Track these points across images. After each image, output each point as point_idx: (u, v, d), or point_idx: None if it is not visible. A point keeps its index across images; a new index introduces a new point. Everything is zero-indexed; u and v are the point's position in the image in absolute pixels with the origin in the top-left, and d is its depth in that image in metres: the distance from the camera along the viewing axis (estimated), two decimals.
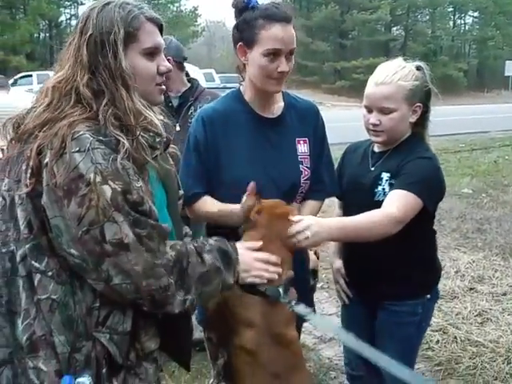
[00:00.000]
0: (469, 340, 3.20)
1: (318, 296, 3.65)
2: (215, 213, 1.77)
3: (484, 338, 3.19)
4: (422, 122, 1.89)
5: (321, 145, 1.91)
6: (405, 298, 1.92)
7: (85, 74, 1.24)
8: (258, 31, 1.67)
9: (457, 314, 3.52)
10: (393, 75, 1.77)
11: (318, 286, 3.75)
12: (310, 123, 1.91)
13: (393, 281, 1.88)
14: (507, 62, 35.41)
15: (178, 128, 2.70)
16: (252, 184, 1.60)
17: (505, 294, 3.85)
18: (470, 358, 3.01)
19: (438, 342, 3.19)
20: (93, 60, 1.25)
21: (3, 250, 1.25)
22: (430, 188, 1.78)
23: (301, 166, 1.84)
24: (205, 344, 2.07)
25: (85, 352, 1.22)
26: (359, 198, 1.89)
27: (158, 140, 1.30)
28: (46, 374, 1.21)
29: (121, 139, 1.20)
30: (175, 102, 2.89)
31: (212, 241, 1.40)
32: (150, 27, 1.31)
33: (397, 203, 1.69)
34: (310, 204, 1.89)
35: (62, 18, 35.30)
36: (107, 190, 1.15)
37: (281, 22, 1.67)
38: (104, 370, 1.24)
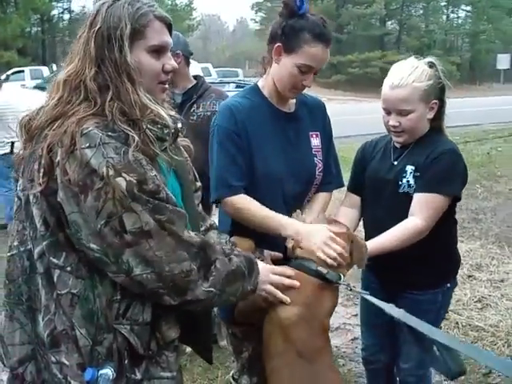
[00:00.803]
0: (470, 325, 3.30)
1: None
2: (259, 217, 1.76)
3: (484, 323, 3.30)
4: (438, 116, 1.94)
5: (329, 139, 2.01)
6: (427, 287, 1.99)
7: (92, 67, 1.25)
8: (302, 44, 1.74)
9: (457, 301, 3.61)
10: (407, 77, 1.82)
11: None
12: (320, 118, 2.00)
13: (416, 270, 1.93)
14: (499, 55, 35.69)
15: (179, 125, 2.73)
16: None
17: (502, 281, 3.96)
18: (471, 343, 3.10)
19: (440, 328, 3.26)
20: (99, 54, 1.26)
21: (21, 249, 1.28)
22: (457, 179, 1.89)
23: (315, 158, 1.94)
24: (225, 340, 2.09)
25: (106, 344, 1.23)
26: (384, 191, 1.95)
27: (166, 131, 1.29)
28: (69, 367, 1.22)
29: (129, 133, 1.20)
30: (178, 99, 2.84)
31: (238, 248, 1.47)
32: (158, 25, 1.31)
33: (424, 212, 1.82)
34: (322, 195, 1.98)
35: (55, 12, 35.08)
36: (122, 182, 1.15)
37: (324, 43, 1.75)
38: (126, 361, 1.25)
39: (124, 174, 1.16)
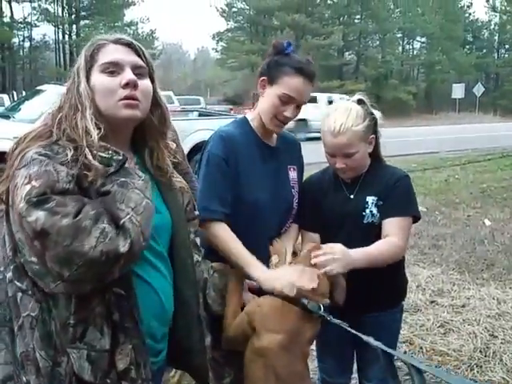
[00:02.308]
0: (434, 350, 3.39)
1: None
2: (231, 249, 1.82)
3: (448, 348, 3.39)
4: (375, 146, 2.06)
5: (302, 174, 2.14)
6: (387, 307, 2.09)
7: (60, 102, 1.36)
8: (284, 75, 1.88)
9: (421, 326, 3.71)
10: (346, 122, 1.92)
11: None
12: (296, 154, 2.16)
13: (377, 290, 2.00)
14: (454, 85, 37.04)
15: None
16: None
17: (463, 306, 4.07)
18: (436, 367, 3.18)
19: (405, 352, 3.34)
20: (67, 90, 1.37)
21: (1, 276, 1.32)
22: (415, 200, 2.06)
23: (293, 190, 2.06)
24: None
25: (64, 366, 1.25)
26: (345, 226, 2.01)
27: (114, 158, 1.26)
28: None
29: (67, 151, 1.23)
30: None
31: None
32: (111, 47, 1.38)
33: (399, 233, 1.93)
34: (296, 226, 2.11)
35: (15, 40, 34.69)
36: (26, 188, 1.14)
37: (305, 77, 1.88)
38: None
39: (33, 181, 1.16)
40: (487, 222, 6.87)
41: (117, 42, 1.39)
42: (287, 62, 1.90)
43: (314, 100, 16.31)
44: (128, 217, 1.18)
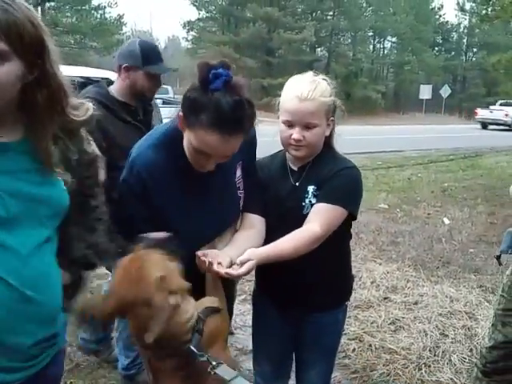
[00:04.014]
0: (383, 348, 3.33)
1: (240, 308, 3.65)
2: None
3: (397, 346, 3.33)
4: (330, 132, 1.92)
5: (253, 167, 1.92)
6: (329, 308, 1.97)
7: None
8: (198, 126, 1.50)
9: (372, 323, 3.65)
10: (314, 91, 1.78)
11: (241, 298, 3.76)
12: (246, 146, 1.80)
13: (319, 291, 1.88)
14: (422, 85, 37.57)
15: None
16: None
17: (416, 303, 4.04)
18: (383, 365, 3.12)
19: (354, 350, 3.28)
20: None
21: None
22: (356, 195, 1.89)
23: (239, 191, 1.84)
24: None
25: None
26: (288, 216, 1.87)
27: None
28: None
29: None
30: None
31: None
32: None
33: (320, 219, 1.77)
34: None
35: None
36: None
37: (224, 133, 1.49)
38: None
39: None
40: (446, 221, 6.94)
41: None
42: (205, 108, 1.47)
43: None
44: None
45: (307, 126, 1.80)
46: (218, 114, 1.46)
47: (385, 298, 4.12)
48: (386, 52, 48.97)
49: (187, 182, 1.68)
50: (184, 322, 1.42)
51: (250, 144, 1.86)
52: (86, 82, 9.39)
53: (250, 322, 3.77)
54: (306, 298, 1.86)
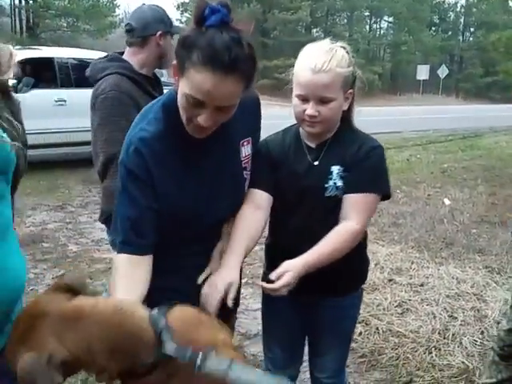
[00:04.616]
0: (390, 331, 3.24)
1: (243, 292, 3.55)
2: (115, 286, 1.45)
3: (405, 329, 3.25)
4: (350, 106, 1.76)
5: (259, 137, 1.77)
6: (348, 291, 1.87)
7: None
8: (189, 66, 1.32)
9: (378, 306, 3.56)
10: (330, 61, 1.62)
11: (243, 281, 3.68)
12: (253, 118, 1.71)
13: (337, 274, 1.75)
14: (419, 66, 37.38)
15: None
16: None
17: (422, 285, 3.95)
18: (392, 349, 3.04)
19: (360, 333, 3.20)
20: None
21: None
22: (387, 174, 1.76)
23: (244, 172, 1.67)
24: None
25: None
26: (307, 197, 1.73)
27: None
28: None
29: None
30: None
31: None
32: None
33: (358, 214, 1.67)
34: None
35: None
36: None
37: (216, 71, 1.29)
38: None
39: None
40: (447, 202, 6.88)
41: None
42: (198, 45, 1.29)
43: None
44: None
45: (322, 101, 1.64)
46: (210, 49, 1.28)
47: (389, 280, 4.03)
48: (382, 32, 48.62)
49: (185, 153, 1.53)
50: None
51: (257, 115, 1.73)
52: (80, 64, 9.27)
53: (252, 306, 3.74)
54: (322, 283, 1.74)
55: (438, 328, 3.25)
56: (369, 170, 1.69)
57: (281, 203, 1.78)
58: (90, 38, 30.37)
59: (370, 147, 1.71)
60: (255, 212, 1.70)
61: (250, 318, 3.42)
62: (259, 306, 3.32)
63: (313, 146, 1.77)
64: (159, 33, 2.38)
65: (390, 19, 46.97)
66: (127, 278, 1.46)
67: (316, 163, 1.74)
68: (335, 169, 1.71)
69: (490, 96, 42.85)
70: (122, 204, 1.51)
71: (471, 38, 52.47)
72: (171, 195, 1.52)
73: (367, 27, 47.57)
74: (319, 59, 1.61)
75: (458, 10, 52.30)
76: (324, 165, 1.72)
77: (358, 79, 1.73)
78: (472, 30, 52.37)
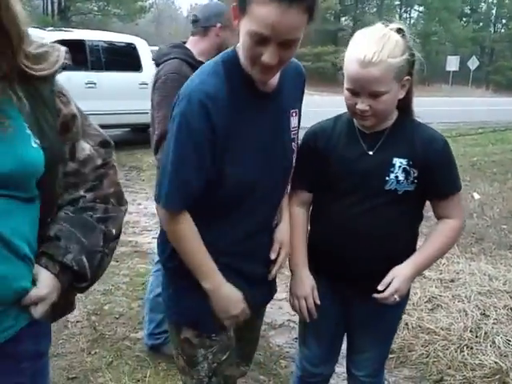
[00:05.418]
0: (420, 327, 3.16)
1: None
2: (193, 253, 1.51)
3: (435, 325, 3.16)
4: (408, 93, 1.65)
5: (300, 114, 1.69)
6: None
7: None
8: (251, 1, 1.29)
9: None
10: (381, 52, 1.50)
11: None
12: (299, 89, 1.65)
13: (385, 270, 1.66)
14: (449, 57, 36.57)
15: None
16: None
17: (453, 281, 3.85)
18: (422, 346, 2.96)
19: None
20: None
21: None
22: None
23: (293, 144, 1.61)
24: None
25: None
26: (361, 188, 1.65)
27: None
28: None
29: None
30: None
31: None
32: None
33: (458, 212, 1.71)
34: None
35: None
36: None
37: (281, 2, 1.25)
38: None
39: None
40: (476, 196, 6.73)
41: None
42: None
43: None
44: None
45: (373, 94, 1.54)
46: None
47: (419, 275, 3.92)
48: (412, 22, 47.74)
49: (246, 111, 1.47)
50: None
51: (302, 86, 1.68)
52: (110, 47, 9.31)
53: (277, 296, 3.66)
54: (368, 280, 1.66)
55: (470, 326, 3.14)
56: (453, 168, 1.68)
57: (331, 195, 1.73)
58: (119, 23, 30.57)
59: (443, 143, 1.65)
60: (302, 210, 1.80)
61: (276, 308, 3.38)
62: (284, 295, 3.27)
63: (367, 132, 1.68)
64: (219, 25, 2.58)
65: (421, 9, 46.14)
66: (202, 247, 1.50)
67: (371, 153, 1.65)
68: (397, 161, 1.62)
69: None
70: (169, 158, 1.44)
71: (503, 30, 51.21)
72: (235, 155, 1.45)
73: (397, 16, 46.70)
74: (369, 50, 1.50)
75: (490, 1, 51.10)
76: (382, 155, 1.64)
77: (416, 62, 1.62)
78: (504, 21, 51.09)
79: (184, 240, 1.50)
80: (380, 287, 1.60)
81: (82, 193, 1.24)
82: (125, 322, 3.21)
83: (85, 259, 1.18)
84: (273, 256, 1.65)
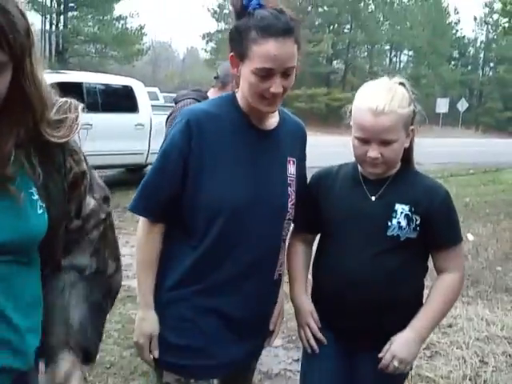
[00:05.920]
0: (419, 375, 3.09)
1: None
2: (148, 259, 1.60)
3: (435, 374, 3.10)
4: (410, 143, 1.70)
5: (304, 168, 1.76)
6: None
7: None
8: (249, 45, 1.46)
9: None
10: (391, 102, 1.56)
11: None
12: (299, 143, 1.74)
13: (389, 319, 1.63)
14: (438, 99, 37.33)
15: None
16: None
17: (450, 326, 3.80)
18: None
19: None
20: None
21: None
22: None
23: (289, 188, 1.65)
24: None
25: None
26: (361, 233, 1.65)
27: None
28: None
29: None
30: None
31: None
32: None
33: (458, 264, 1.70)
34: None
35: None
36: None
37: (277, 36, 1.43)
38: None
39: None
40: (470, 237, 6.71)
41: None
42: (249, 25, 1.46)
43: None
44: None
45: (384, 142, 1.58)
46: (265, 22, 1.45)
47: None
48: (402, 65, 48.83)
49: (247, 140, 1.60)
50: None
51: (303, 143, 1.77)
52: (107, 89, 9.40)
53: (274, 343, 3.62)
54: (372, 332, 1.64)
55: (469, 374, 3.09)
56: (454, 219, 1.68)
57: (330, 237, 1.74)
58: (116, 64, 31.06)
59: (444, 193, 1.67)
60: (305, 246, 1.83)
61: (271, 356, 3.30)
62: (281, 342, 3.21)
63: (371, 178, 1.69)
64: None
65: (410, 53, 47.27)
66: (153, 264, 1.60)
67: (373, 198, 1.67)
68: (400, 207, 1.63)
69: (510, 131, 42.55)
70: (155, 171, 1.59)
71: (491, 73, 52.45)
72: (210, 180, 1.53)
73: (387, 60, 47.92)
74: (380, 101, 1.56)
75: (478, 45, 52.49)
76: (385, 201, 1.65)
77: (418, 114, 1.68)
78: (492, 64, 52.40)
79: (142, 251, 1.61)
80: (380, 355, 1.59)
81: (86, 261, 1.23)
82: (116, 372, 3.10)
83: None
84: (272, 327, 1.73)
